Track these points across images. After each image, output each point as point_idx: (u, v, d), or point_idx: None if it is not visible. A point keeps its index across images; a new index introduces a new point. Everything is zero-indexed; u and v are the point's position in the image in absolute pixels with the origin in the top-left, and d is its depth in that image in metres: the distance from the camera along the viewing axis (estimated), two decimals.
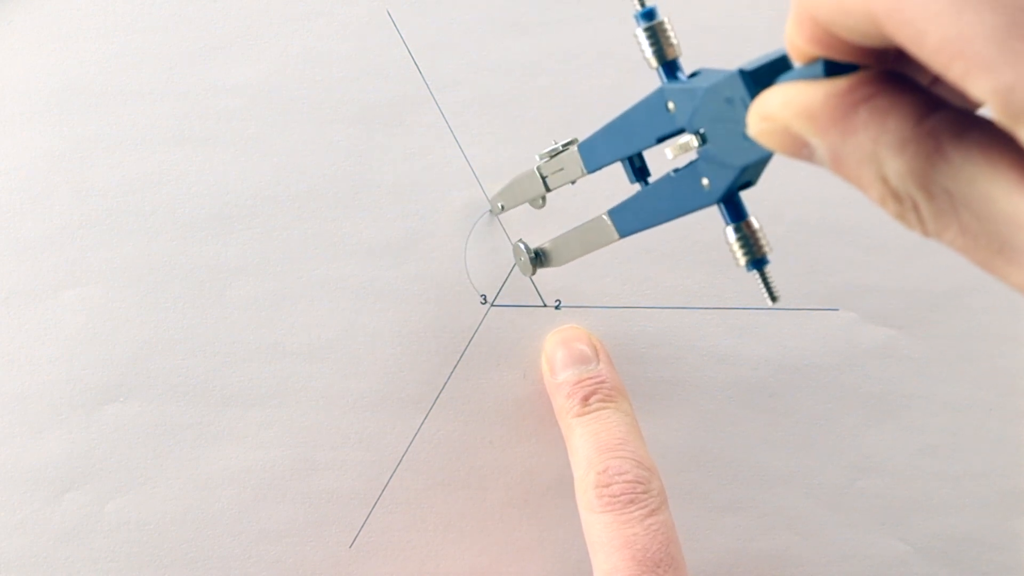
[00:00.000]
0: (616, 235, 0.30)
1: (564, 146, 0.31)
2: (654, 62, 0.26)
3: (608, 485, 0.33)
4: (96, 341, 0.37)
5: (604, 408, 0.35)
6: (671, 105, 0.25)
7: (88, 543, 0.36)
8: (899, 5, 0.16)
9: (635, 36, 0.26)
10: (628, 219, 0.29)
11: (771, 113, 0.20)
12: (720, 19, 0.38)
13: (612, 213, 0.30)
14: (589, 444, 0.34)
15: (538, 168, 0.32)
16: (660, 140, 0.26)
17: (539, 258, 0.35)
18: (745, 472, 0.39)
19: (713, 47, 0.38)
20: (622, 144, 0.28)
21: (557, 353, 0.37)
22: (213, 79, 0.37)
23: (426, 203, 0.38)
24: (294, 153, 0.38)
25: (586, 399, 0.35)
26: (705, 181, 0.25)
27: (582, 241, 0.32)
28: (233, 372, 0.37)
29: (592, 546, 0.33)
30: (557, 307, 0.38)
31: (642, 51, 0.26)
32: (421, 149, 0.38)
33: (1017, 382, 0.39)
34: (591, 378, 0.36)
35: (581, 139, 0.30)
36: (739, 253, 0.26)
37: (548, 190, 0.33)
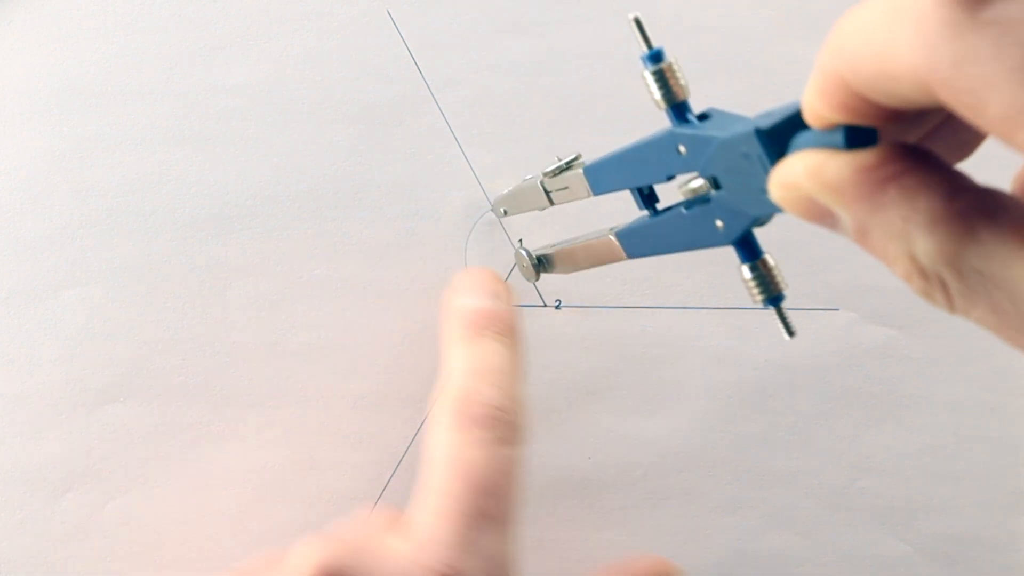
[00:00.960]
0: (625, 256, 0.30)
1: (568, 164, 0.31)
2: (663, 104, 0.25)
3: (468, 405, 0.31)
4: (96, 341, 0.37)
5: (493, 341, 0.33)
6: (682, 148, 0.25)
7: (88, 543, 0.36)
8: (957, 73, 0.16)
9: (643, 78, 0.26)
10: (636, 243, 0.29)
11: (795, 183, 0.20)
12: (720, 19, 0.38)
13: (620, 236, 0.29)
14: (464, 366, 0.33)
15: (542, 184, 0.32)
16: (670, 177, 0.26)
17: (542, 264, 0.35)
18: (745, 472, 0.39)
19: (713, 47, 0.38)
20: (631, 175, 0.28)
21: (464, 280, 0.36)
22: (213, 79, 0.37)
23: (426, 203, 0.38)
24: (294, 153, 0.38)
25: (478, 327, 0.34)
26: (719, 223, 0.25)
27: (589, 256, 0.32)
28: (233, 372, 0.37)
29: (428, 462, 0.31)
30: (557, 307, 0.38)
31: (650, 93, 0.26)
32: (421, 149, 0.38)
33: (1017, 382, 0.39)
34: (490, 311, 0.34)
35: (586, 158, 0.30)
36: (755, 291, 0.26)
37: (552, 204, 0.33)
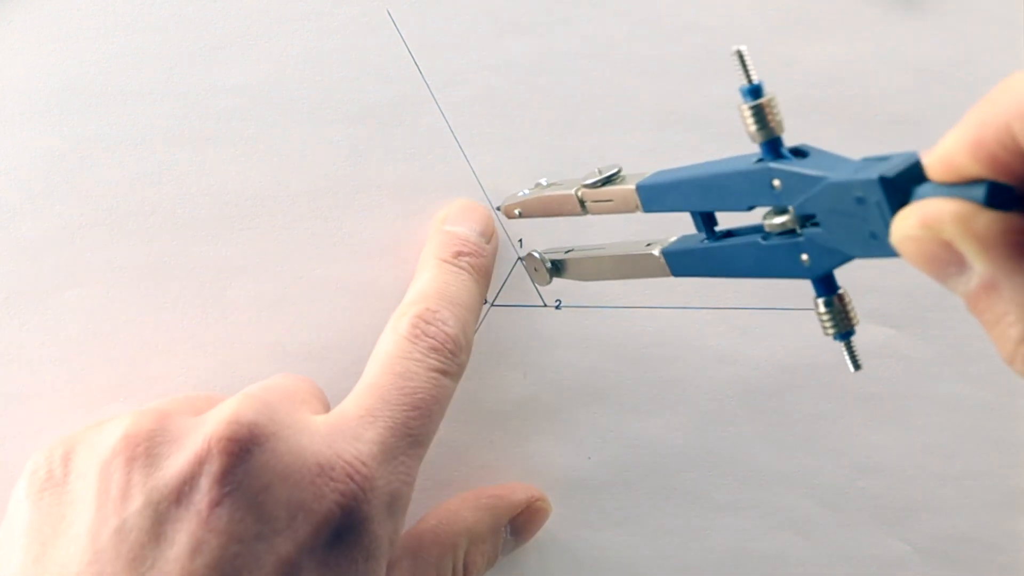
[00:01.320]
0: (670, 274, 0.30)
1: (608, 177, 0.31)
2: (758, 138, 0.26)
3: (428, 323, 0.32)
4: (96, 341, 0.37)
5: (468, 273, 0.35)
6: (777, 183, 0.25)
7: None
8: None
9: (740, 110, 0.26)
10: (688, 264, 0.30)
11: (938, 226, 0.21)
12: (720, 19, 0.38)
13: (668, 255, 0.30)
14: (435, 286, 0.34)
15: (578, 194, 0.32)
16: (750, 208, 0.27)
17: (555, 268, 0.35)
18: (745, 472, 0.39)
19: (713, 47, 0.38)
20: (701, 199, 0.28)
21: (460, 209, 0.37)
22: (213, 79, 0.37)
23: (426, 203, 0.38)
24: (294, 153, 0.38)
25: (459, 254, 0.35)
26: (805, 257, 0.26)
27: (623, 269, 0.32)
28: (233, 372, 0.37)
29: (373, 360, 0.32)
30: (557, 307, 0.38)
31: (745, 125, 0.26)
32: (421, 149, 0.38)
33: (1017, 382, 0.39)
34: (476, 247, 0.36)
35: (635, 175, 0.30)
36: (828, 325, 0.27)
37: (585, 213, 0.33)
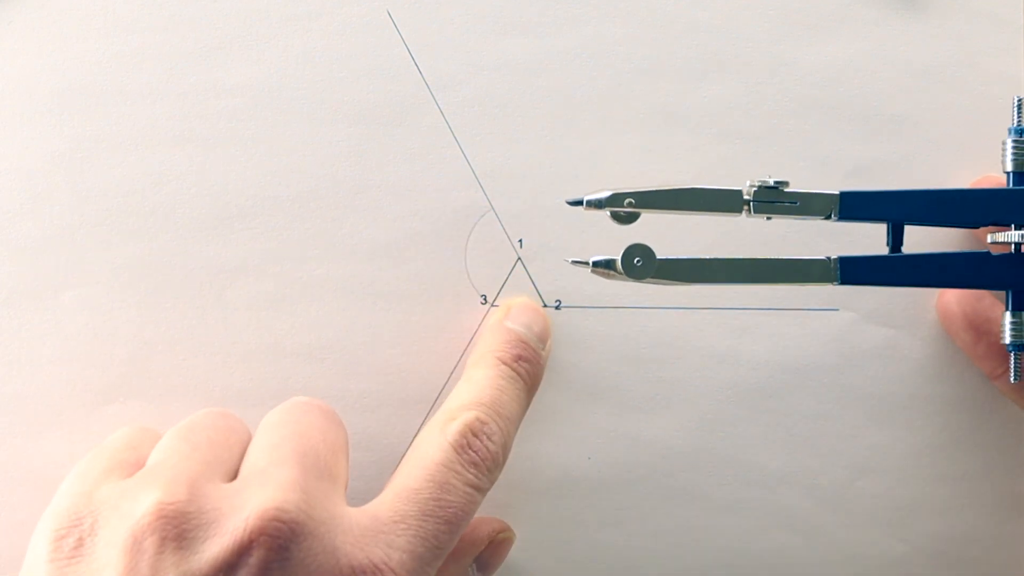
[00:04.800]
0: (835, 281, 0.32)
1: (776, 183, 0.32)
2: (1010, 167, 0.32)
3: (476, 434, 0.32)
4: (96, 341, 0.37)
5: (523, 381, 0.35)
6: None
7: None
8: None
9: (1003, 144, 0.32)
10: (865, 272, 0.32)
11: None
12: (720, 19, 0.38)
13: (844, 260, 0.32)
14: (490, 393, 0.34)
15: (751, 191, 0.32)
16: (978, 225, 0.32)
17: (663, 269, 0.33)
18: (745, 472, 0.39)
19: (713, 47, 0.38)
20: (917, 211, 0.32)
21: (522, 307, 0.37)
22: (213, 79, 0.37)
23: (426, 203, 0.38)
24: (294, 153, 0.38)
25: (518, 358, 0.35)
26: None
27: (765, 273, 0.32)
28: (233, 372, 0.37)
29: (413, 459, 0.32)
30: (557, 307, 0.38)
31: (1003, 157, 0.33)
32: (421, 149, 0.38)
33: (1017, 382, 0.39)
34: (535, 352, 0.36)
35: (840, 187, 0.32)
36: (1009, 333, 0.32)
37: (738, 214, 0.32)
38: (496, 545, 0.36)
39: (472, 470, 0.32)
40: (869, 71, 0.39)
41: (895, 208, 0.32)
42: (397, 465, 0.32)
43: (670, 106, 0.38)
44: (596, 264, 0.32)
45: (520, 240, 0.38)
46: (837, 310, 0.39)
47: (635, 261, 0.32)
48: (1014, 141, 0.33)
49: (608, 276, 0.32)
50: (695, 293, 0.39)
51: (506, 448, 0.33)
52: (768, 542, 0.39)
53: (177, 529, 0.27)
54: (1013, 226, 0.32)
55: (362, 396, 0.38)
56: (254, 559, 0.27)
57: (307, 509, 0.28)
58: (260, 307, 0.37)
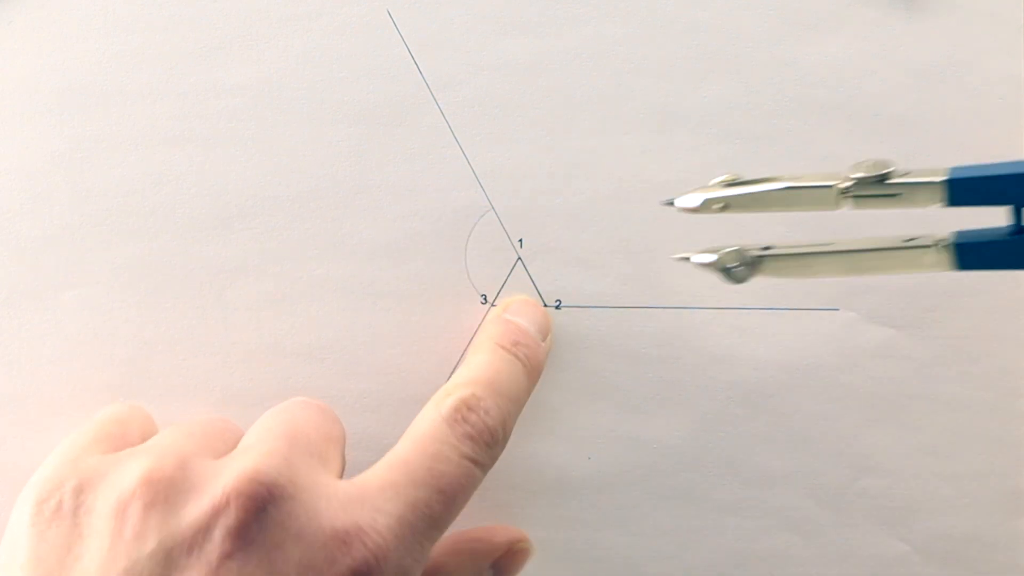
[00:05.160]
0: (949, 268, 0.30)
1: (884, 174, 0.30)
2: None
3: (471, 409, 0.32)
4: (96, 341, 0.37)
5: (522, 364, 0.35)
6: None
7: None
8: None
9: None
10: (987, 257, 0.29)
11: None
12: (720, 19, 0.38)
13: (961, 248, 0.29)
14: (487, 373, 0.33)
15: (843, 187, 0.30)
16: None
17: (755, 265, 0.32)
18: (745, 472, 0.39)
19: (713, 47, 0.38)
20: None
21: (521, 303, 0.37)
22: (213, 79, 0.37)
23: (426, 203, 0.38)
24: (294, 153, 0.38)
25: (516, 344, 0.35)
26: None
27: (869, 264, 0.31)
28: (233, 372, 0.37)
29: (409, 434, 0.32)
30: (557, 307, 0.38)
31: None
32: (421, 149, 0.38)
33: (1017, 382, 0.39)
34: (534, 341, 0.36)
35: (919, 171, 0.29)
36: None
37: (836, 209, 0.30)
38: (514, 553, 0.36)
39: (468, 443, 0.31)
40: (869, 71, 0.39)
41: (1016, 190, 0.28)
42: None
43: (670, 106, 0.38)
44: (700, 263, 0.32)
45: (520, 240, 0.38)
46: (837, 310, 0.39)
47: (730, 268, 0.32)
48: None
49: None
50: (695, 293, 0.39)
51: (505, 426, 0.33)
52: (768, 542, 0.39)
53: (162, 494, 0.27)
54: None
55: (362, 396, 0.38)
56: (231, 519, 0.27)
57: (288, 473, 0.28)
58: (260, 307, 0.37)
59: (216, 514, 0.27)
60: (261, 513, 0.27)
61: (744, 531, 0.39)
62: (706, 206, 0.31)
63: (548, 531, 0.38)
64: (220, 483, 0.28)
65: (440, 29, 0.38)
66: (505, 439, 0.33)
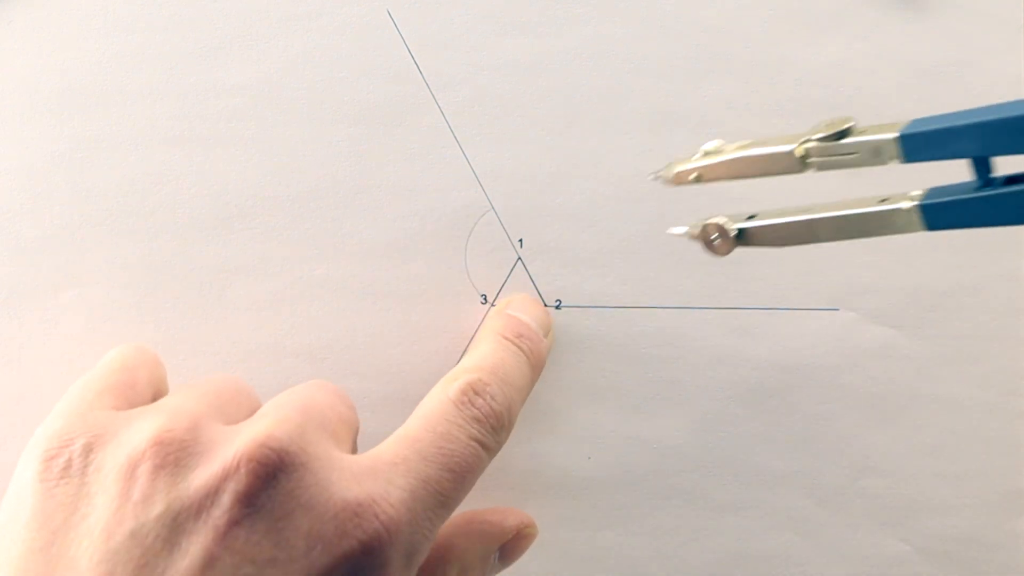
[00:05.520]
0: (920, 229, 0.28)
1: (841, 132, 0.29)
2: None
3: (477, 392, 0.32)
4: (96, 341, 0.37)
5: (525, 356, 0.35)
6: None
7: None
8: None
9: None
10: (956, 215, 0.27)
11: None
12: (720, 19, 0.38)
13: (928, 208, 0.27)
14: (492, 361, 0.34)
15: (804, 148, 0.29)
16: None
17: (741, 237, 0.31)
18: (745, 472, 0.39)
19: (713, 47, 0.38)
20: (992, 142, 0.26)
21: (523, 300, 0.37)
22: (213, 79, 0.37)
23: (426, 203, 0.38)
24: (294, 153, 0.38)
25: (519, 337, 0.35)
26: None
27: (848, 228, 0.30)
28: (233, 372, 0.37)
29: (417, 414, 0.32)
30: (557, 307, 0.38)
31: None
32: (421, 149, 0.38)
33: (1017, 382, 0.39)
34: (536, 335, 0.36)
35: (876, 127, 0.28)
36: None
37: (802, 171, 0.30)
38: (521, 538, 0.36)
39: (475, 425, 0.31)
40: (869, 71, 0.39)
41: (973, 142, 0.26)
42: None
43: (670, 106, 0.38)
44: (675, 233, 0.32)
45: (520, 240, 0.38)
46: (837, 310, 0.39)
47: (712, 239, 0.31)
48: None
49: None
50: (695, 293, 0.39)
51: (511, 412, 0.33)
52: (768, 542, 0.39)
53: (173, 456, 0.27)
54: None
55: (362, 396, 0.38)
56: (240, 485, 0.27)
57: (300, 442, 0.28)
58: (260, 307, 0.37)
59: (225, 479, 0.27)
60: (271, 480, 0.27)
61: (744, 531, 0.39)
62: (679, 179, 0.31)
63: (548, 531, 0.38)
64: (232, 448, 0.27)
65: (440, 29, 0.38)
66: (510, 425, 0.33)
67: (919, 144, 0.27)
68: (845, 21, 0.39)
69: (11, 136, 0.37)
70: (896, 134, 0.28)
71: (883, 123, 0.28)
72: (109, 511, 0.26)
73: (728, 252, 0.31)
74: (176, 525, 0.26)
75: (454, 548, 0.34)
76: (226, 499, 0.26)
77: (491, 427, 0.32)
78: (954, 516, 0.39)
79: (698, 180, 0.31)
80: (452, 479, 0.30)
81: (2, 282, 0.37)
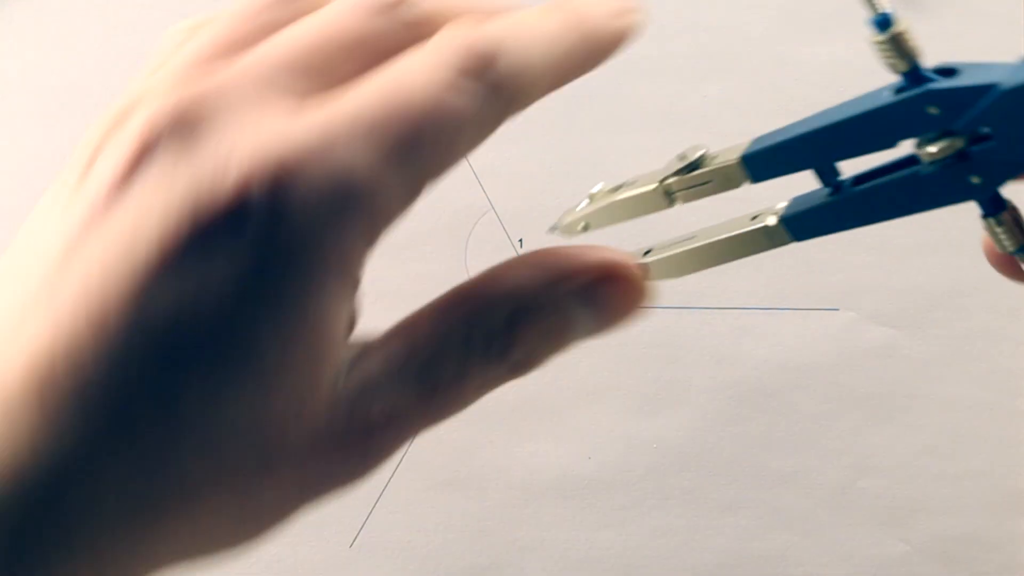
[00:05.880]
0: (789, 241, 0.29)
1: (695, 162, 0.29)
2: (900, 68, 0.24)
3: (478, 55, 0.21)
4: None
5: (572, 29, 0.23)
6: (933, 109, 0.24)
7: None
8: None
9: (872, 45, 0.24)
10: (816, 223, 0.28)
11: None
12: (720, 19, 0.38)
13: (788, 220, 0.27)
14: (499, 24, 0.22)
15: (664, 185, 0.30)
16: (895, 144, 0.26)
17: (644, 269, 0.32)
18: (745, 472, 0.39)
19: (713, 47, 0.38)
20: (827, 151, 0.27)
21: None
22: None
23: (426, 203, 0.38)
24: None
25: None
26: (976, 179, 0.25)
27: (727, 251, 0.30)
28: None
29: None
30: None
31: (882, 60, 0.24)
32: None
33: (1017, 382, 0.39)
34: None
35: (727, 149, 0.29)
36: (1007, 241, 0.25)
37: (671, 206, 0.30)
38: (615, 280, 0.24)
39: (454, 71, 0.21)
40: (869, 71, 0.39)
41: (808, 154, 0.27)
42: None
43: (670, 106, 0.38)
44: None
45: (520, 240, 0.38)
46: (837, 310, 0.39)
47: None
48: (886, 39, 0.24)
49: None
50: (696, 293, 0.39)
51: (524, 74, 0.22)
52: (768, 542, 0.39)
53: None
54: (954, 130, 0.25)
55: None
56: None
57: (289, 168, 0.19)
58: None
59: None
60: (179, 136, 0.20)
61: (744, 531, 0.39)
62: (569, 229, 0.30)
63: (548, 531, 0.38)
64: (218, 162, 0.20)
65: None
66: (519, 92, 0.22)
67: (761, 164, 0.27)
68: (845, 21, 0.39)
69: (11, 136, 0.37)
70: (738, 156, 0.27)
71: (732, 145, 0.28)
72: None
73: None
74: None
75: (510, 278, 0.24)
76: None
77: (481, 77, 0.21)
78: (954, 516, 0.39)
79: (586, 229, 0.31)
80: (400, 116, 0.20)
81: None
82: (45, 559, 0.20)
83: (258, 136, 0.21)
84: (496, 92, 0.22)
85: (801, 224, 0.28)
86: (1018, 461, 0.39)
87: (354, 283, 0.22)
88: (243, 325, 0.20)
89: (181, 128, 0.21)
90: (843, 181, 0.27)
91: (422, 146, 0.21)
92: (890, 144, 0.25)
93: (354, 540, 0.37)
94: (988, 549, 0.39)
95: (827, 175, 0.27)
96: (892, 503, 0.39)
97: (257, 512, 0.21)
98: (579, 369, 0.38)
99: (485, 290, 0.23)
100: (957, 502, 0.39)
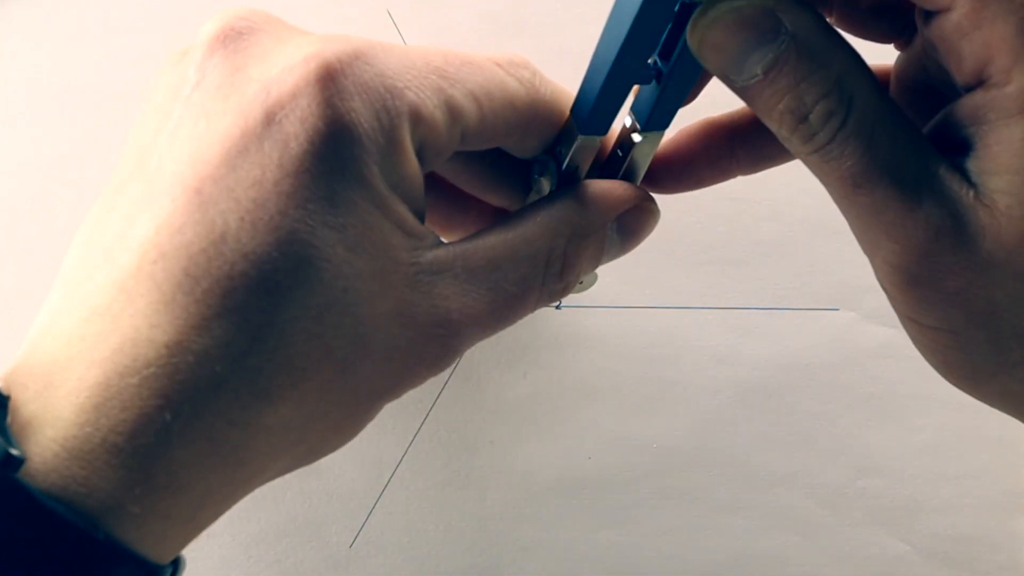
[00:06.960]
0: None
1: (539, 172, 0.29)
2: None
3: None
4: None
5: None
6: None
7: None
8: None
9: None
10: (669, 110, 0.29)
11: None
12: None
13: (649, 126, 0.29)
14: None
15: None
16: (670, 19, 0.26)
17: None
18: (745, 472, 0.39)
19: None
20: (633, 66, 0.27)
21: None
22: None
23: None
24: None
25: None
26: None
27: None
28: None
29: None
30: (557, 307, 0.38)
31: None
32: None
33: None
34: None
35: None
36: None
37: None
38: (641, 211, 0.29)
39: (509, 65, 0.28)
40: None
41: (622, 84, 0.28)
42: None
43: None
44: None
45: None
46: (837, 310, 0.39)
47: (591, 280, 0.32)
48: None
49: None
50: (695, 293, 0.39)
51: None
52: (768, 542, 0.39)
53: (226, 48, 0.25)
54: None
55: None
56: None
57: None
58: None
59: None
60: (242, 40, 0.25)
61: (744, 531, 0.39)
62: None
63: (548, 531, 0.38)
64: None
65: (440, 29, 0.38)
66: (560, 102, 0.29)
67: (598, 114, 0.29)
68: None
69: (11, 136, 0.37)
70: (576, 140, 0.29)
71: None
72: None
73: (590, 287, 0.32)
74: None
75: (567, 212, 0.28)
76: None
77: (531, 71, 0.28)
78: (954, 516, 0.39)
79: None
80: (449, 58, 0.25)
81: (2, 282, 0.37)
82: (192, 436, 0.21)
83: (310, 44, 0.24)
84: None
85: (661, 119, 0.29)
86: (1018, 461, 0.39)
87: (413, 169, 0.24)
88: (321, 195, 0.22)
89: (237, 37, 0.24)
90: (657, 67, 0.28)
91: (459, 88, 0.25)
92: (668, 21, 0.26)
93: (354, 540, 0.37)
94: (988, 549, 0.39)
95: (644, 77, 0.28)
96: (892, 503, 0.39)
97: (355, 396, 0.23)
98: (579, 369, 0.38)
99: (546, 219, 0.27)
100: (957, 502, 0.39)
